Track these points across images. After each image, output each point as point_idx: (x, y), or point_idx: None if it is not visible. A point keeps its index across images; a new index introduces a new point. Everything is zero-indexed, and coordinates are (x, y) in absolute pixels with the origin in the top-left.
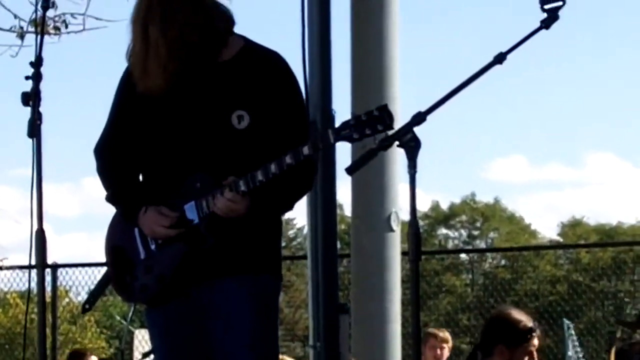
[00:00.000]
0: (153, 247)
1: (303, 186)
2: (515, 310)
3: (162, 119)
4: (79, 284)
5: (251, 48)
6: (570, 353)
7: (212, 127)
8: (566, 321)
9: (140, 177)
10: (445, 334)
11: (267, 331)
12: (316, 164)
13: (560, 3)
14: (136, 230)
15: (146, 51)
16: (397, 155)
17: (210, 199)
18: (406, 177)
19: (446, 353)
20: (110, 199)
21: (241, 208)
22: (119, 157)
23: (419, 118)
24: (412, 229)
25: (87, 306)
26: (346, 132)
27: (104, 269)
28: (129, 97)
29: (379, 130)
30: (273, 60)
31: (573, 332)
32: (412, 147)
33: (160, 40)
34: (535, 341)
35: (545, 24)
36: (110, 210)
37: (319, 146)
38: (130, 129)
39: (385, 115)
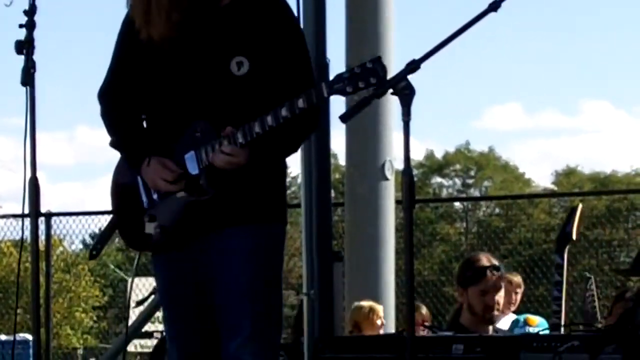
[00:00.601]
0: (155, 196)
1: (301, 135)
2: (482, 254)
3: (163, 66)
4: (73, 233)
5: None
6: (587, 308)
7: (211, 74)
8: (587, 274)
9: (145, 123)
10: (518, 279)
11: (270, 278)
12: (318, 111)
13: None
14: (139, 178)
15: (148, 1)
16: (392, 104)
17: (209, 149)
18: (400, 126)
19: (519, 298)
20: (114, 144)
21: (240, 160)
22: (122, 101)
23: (413, 66)
24: (406, 177)
25: (94, 252)
26: (339, 85)
27: (97, 218)
28: (130, 42)
29: (372, 84)
30: (273, 3)
31: (594, 287)
32: (407, 95)
33: None
34: (491, 281)
35: None
36: (105, 160)
37: (312, 99)
38: (132, 74)
39: (378, 68)
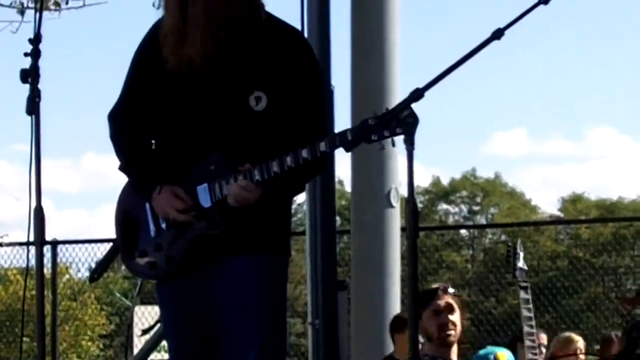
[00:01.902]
0: (164, 225)
1: (311, 177)
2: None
3: (181, 95)
4: (79, 261)
5: (273, 24)
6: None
7: (229, 107)
8: (508, 244)
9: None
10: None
11: (278, 305)
12: (328, 155)
13: None
14: (147, 205)
15: (182, 27)
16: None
17: (223, 183)
18: (404, 153)
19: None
20: (123, 168)
21: (253, 197)
22: (134, 125)
23: (417, 94)
24: (410, 205)
25: (95, 275)
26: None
27: (104, 246)
28: (146, 70)
29: (397, 133)
30: (294, 40)
31: (521, 253)
32: (410, 123)
33: (201, 17)
34: (442, 300)
35: (544, 0)
36: (110, 187)
37: (336, 143)
38: (145, 101)
39: (410, 119)
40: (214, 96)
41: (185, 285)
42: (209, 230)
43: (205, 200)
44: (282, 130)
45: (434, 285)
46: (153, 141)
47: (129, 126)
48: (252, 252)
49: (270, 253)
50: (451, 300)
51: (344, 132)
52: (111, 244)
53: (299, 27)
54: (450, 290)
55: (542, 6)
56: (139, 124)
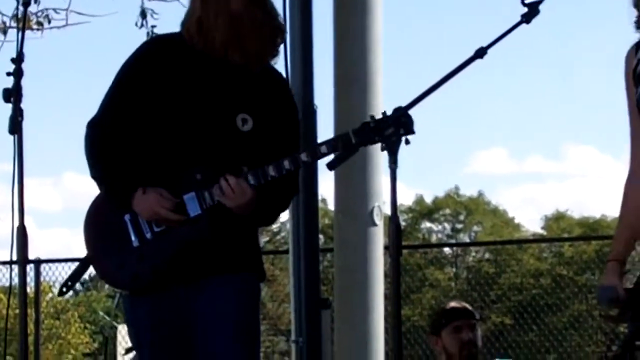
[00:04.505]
0: (148, 235)
1: (289, 197)
2: (453, 301)
3: (172, 112)
4: (62, 279)
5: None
6: None
7: (218, 126)
8: None
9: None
10: None
11: (251, 326)
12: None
13: None
14: (127, 216)
15: (226, 23)
16: (379, 150)
17: (212, 191)
18: (388, 172)
19: None
20: (98, 177)
21: (248, 198)
22: (114, 135)
23: (400, 113)
24: (393, 224)
25: (64, 289)
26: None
27: None
28: (137, 83)
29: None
30: (275, 75)
31: None
32: (393, 142)
33: (267, 21)
34: (463, 319)
35: (526, 19)
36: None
37: (317, 154)
38: (130, 114)
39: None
40: (204, 115)
41: (163, 300)
42: (195, 237)
43: (193, 209)
44: (264, 151)
45: (452, 304)
46: (132, 159)
47: (109, 136)
48: (235, 272)
49: (251, 273)
50: (472, 319)
51: (346, 135)
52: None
53: (281, 46)
54: (469, 308)
55: (524, 25)
56: (120, 135)
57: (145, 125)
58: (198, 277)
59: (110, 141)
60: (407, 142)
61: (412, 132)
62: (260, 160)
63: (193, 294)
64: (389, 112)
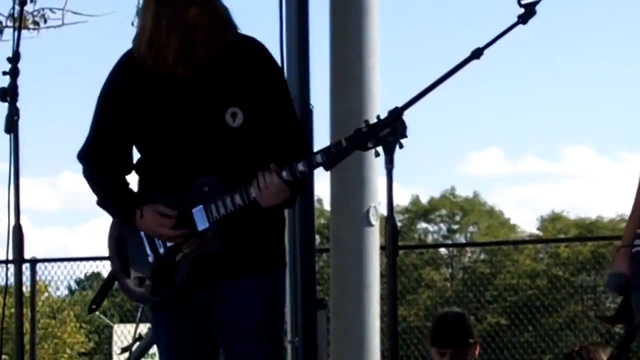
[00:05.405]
0: (162, 251)
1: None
2: (447, 312)
3: (159, 117)
4: (58, 279)
5: (243, 42)
6: None
7: (207, 126)
8: None
9: (137, 178)
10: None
11: (275, 324)
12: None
13: None
14: (142, 232)
15: (180, 36)
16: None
17: (220, 204)
18: (384, 172)
19: None
20: (100, 203)
21: (285, 194)
22: (107, 161)
23: (396, 113)
24: (389, 225)
25: (93, 306)
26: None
27: (83, 264)
28: (118, 99)
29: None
30: (258, 52)
31: None
32: (390, 142)
33: (202, 22)
34: (445, 349)
35: (523, 19)
36: (88, 205)
37: (312, 164)
38: (119, 132)
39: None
40: (191, 116)
41: (184, 309)
42: (208, 250)
43: (202, 222)
44: (261, 143)
45: (445, 319)
46: (128, 176)
47: (100, 163)
48: (254, 271)
49: (270, 269)
50: (458, 349)
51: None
52: (90, 262)
53: (277, 46)
54: (464, 327)
55: (520, 26)
56: (113, 161)
57: (137, 137)
58: (217, 280)
59: (102, 168)
60: (401, 146)
61: (404, 136)
62: (257, 153)
63: (214, 296)
64: (386, 113)
